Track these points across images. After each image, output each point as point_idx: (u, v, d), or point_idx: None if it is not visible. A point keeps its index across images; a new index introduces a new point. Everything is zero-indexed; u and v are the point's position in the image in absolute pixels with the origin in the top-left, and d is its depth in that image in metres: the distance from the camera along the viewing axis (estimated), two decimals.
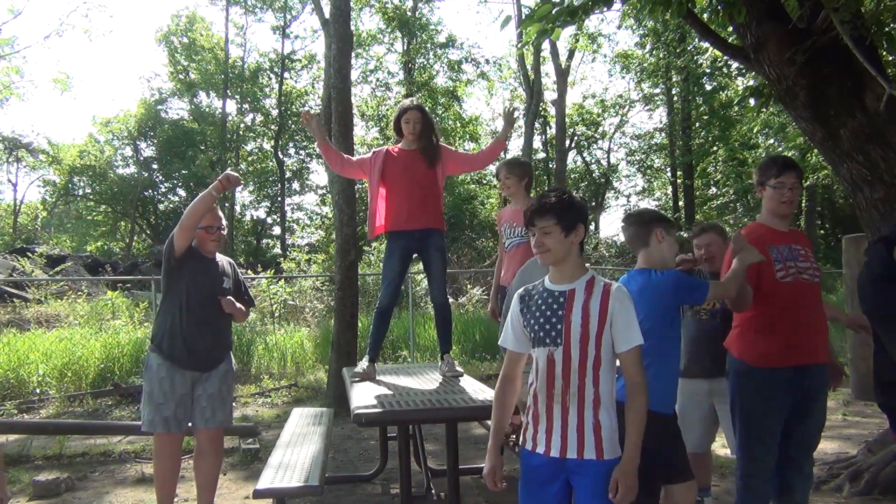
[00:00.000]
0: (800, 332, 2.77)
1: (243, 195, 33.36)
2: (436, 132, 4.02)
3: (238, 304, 3.67)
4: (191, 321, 3.48)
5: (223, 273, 3.67)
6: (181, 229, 3.43)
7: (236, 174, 3.52)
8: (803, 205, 21.83)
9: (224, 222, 3.70)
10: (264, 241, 34.13)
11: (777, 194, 2.87)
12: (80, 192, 31.13)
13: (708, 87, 20.36)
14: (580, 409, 2.11)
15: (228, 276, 3.70)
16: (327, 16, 7.63)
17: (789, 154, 11.42)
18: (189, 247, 3.53)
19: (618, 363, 2.20)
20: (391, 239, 3.96)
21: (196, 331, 3.48)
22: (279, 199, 32.21)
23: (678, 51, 17.94)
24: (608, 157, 30.26)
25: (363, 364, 3.91)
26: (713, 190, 25.33)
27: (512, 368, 2.31)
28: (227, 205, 29.50)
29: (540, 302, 2.19)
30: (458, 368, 3.92)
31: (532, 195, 2.31)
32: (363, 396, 3.33)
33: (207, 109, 31.20)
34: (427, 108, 4.18)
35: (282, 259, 16.08)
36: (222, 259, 3.75)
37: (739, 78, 16.21)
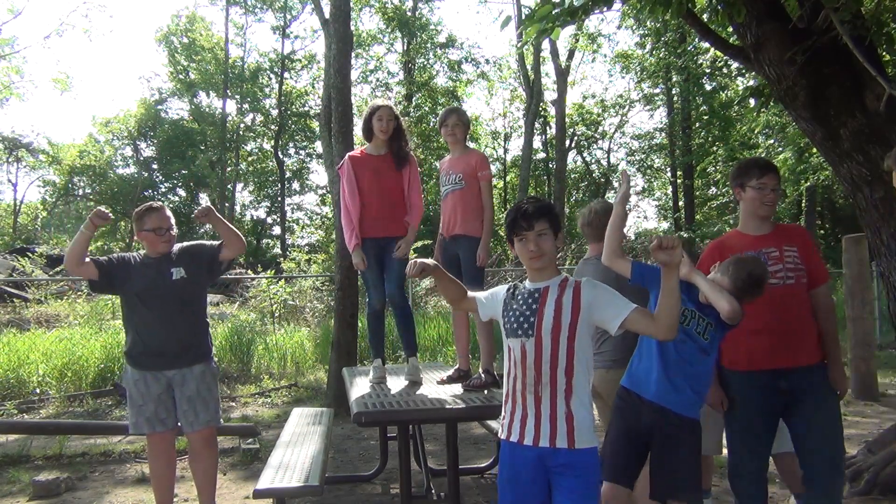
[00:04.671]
0: (762, 337, 2.76)
1: (243, 195, 33.43)
2: (405, 137, 3.91)
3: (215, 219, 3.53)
4: (147, 324, 3.46)
5: (171, 265, 3.51)
6: (67, 267, 3.44)
7: (105, 210, 3.41)
8: (803, 205, 21.84)
9: (172, 222, 3.60)
10: (264, 241, 34.09)
11: (759, 195, 2.87)
12: (80, 192, 31.07)
13: (708, 87, 20.34)
14: (552, 398, 2.17)
15: (179, 265, 3.51)
16: (327, 16, 7.63)
17: (789, 154, 11.43)
18: (105, 266, 3.47)
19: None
20: (363, 244, 3.87)
21: (155, 332, 3.46)
22: (279, 199, 32.19)
23: (678, 51, 17.90)
24: (608, 157, 30.30)
25: (377, 364, 3.88)
26: (713, 190, 25.31)
27: (467, 302, 2.45)
28: (227, 205, 29.52)
29: (520, 299, 2.29)
30: (421, 375, 3.85)
31: (529, 195, 2.33)
32: (363, 396, 3.33)
33: (207, 109, 31.16)
34: (400, 112, 4.06)
35: (282, 259, 16.08)
36: (176, 249, 3.60)
37: (739, 78, 16.21)
